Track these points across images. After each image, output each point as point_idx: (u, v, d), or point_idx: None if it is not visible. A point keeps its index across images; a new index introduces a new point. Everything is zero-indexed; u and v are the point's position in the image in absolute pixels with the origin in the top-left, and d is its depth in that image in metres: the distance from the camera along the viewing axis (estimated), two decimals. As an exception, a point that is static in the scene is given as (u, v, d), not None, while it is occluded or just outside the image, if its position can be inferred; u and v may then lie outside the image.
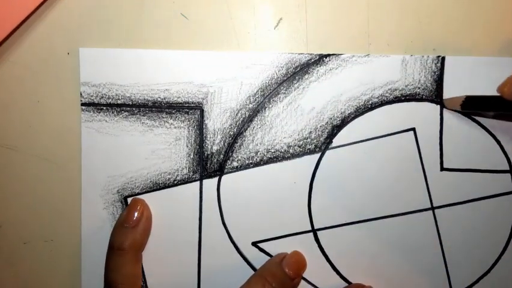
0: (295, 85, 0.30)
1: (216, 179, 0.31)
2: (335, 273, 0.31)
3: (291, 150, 0.31)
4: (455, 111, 0.30)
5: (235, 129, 0.31)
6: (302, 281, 0.31)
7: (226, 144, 0.31)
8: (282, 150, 0.31)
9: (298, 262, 0.29)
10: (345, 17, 0.30)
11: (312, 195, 0.31)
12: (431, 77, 0.30)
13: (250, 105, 0.30)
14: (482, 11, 0.30)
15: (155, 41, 0.30)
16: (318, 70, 0.30)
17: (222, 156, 0.31)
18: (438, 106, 0.30)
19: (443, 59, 0.30)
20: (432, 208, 0.30)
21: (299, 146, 0.31)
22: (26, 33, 0.30)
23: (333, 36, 0.30)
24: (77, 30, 0.30)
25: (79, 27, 0.30)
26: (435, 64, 0.30)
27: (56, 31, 0.30)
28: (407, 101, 0.30)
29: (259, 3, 0.30)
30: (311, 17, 0.30)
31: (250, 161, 0.31)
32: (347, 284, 0.30)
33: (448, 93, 0.30)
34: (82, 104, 0.30)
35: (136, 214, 0.29)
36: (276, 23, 0.30)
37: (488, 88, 0.30)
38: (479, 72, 0.30)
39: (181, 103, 0.30)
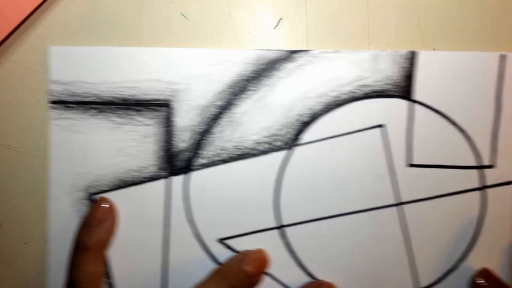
0: (264, 82, 0.30)
1: (183, 176, 0.30)
2: (300, 269, 0.31)
3: (259, 147, 0.30)
4: None
5: (203, 126, 0.30)
6: (268, 278, 0.31)
7: (194, 141, 0.30)
8: (251, 147, 0.30)
9: (259, 260, 0.29)
10: (345, 17, 0.30)
11: (281, 192, 0.30)
12: (401, 72, 0.30)
13: (219, 102, 0.30)
14: (484, 10, 0.30)
15: (154, 40, 0.30)
16: (286, 66, 0.30)
17: (190, 153, 0.30)
18: (407, 102, 0.30)
19: (415, 54, 0.30)
20: (400, 204, 0.30)
21: (267, 143, 0.30)
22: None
23: (333, 36, 0.30)
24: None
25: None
26: (406, 59, 0.30)
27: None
28: (377, 97, 0.30)
29: (259, 3, 0.30)
30: (311, 17, 0.30)
31: (219, 158, 0.30)
32: (313, 280, 0.30)
33: (419, 89, 0.30)
34: (51, 102, 0.30)
35: (100, 213, 0.29)
36: (276, 23, 0.30)
37: (461, 83, 0.30)
38: (452, 67, 0.30)
39: (149, 100, 0.30)
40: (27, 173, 0.31)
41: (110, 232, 0.29)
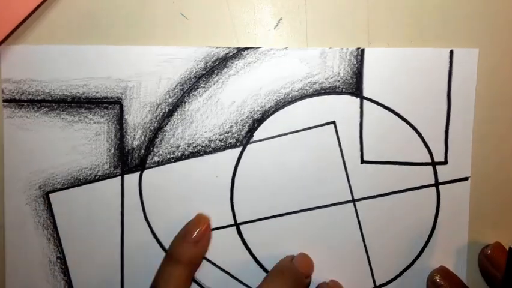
0: (214, 79, 0.30)
1: (137, 174, 0.31)
2: (258, 266, 0.31)
3: (212, 145, 0.30)
4: None
5: (155, 124, 0.30)
6: (228, 276, 0.31)
7: (147, 139, 0.30)
8: (204, 145, 0.30)
9: (308, 262, 0.30)
10: (345, 16, 0.30)
11: (234, 189, 0.31)
12: (350, 69, 0.30)
13: (170, 100, 0.30)
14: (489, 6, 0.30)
15: (154, 40, 0.30)
16: (236, 64, 0.30)
17: (143, 151, 0.31)
18: (358, 99, 0.30)
19: (363, 51, 0.30)
20: (353, 200, 0.30)
21: (220, 140, 0.30)
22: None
23: (333, 36, 0.30)
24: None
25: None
26: (355, 56, 0.30)
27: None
28: (327, 94, 0.30)
29: (259, 3, 0.30)
30: (311, 17, 0.30)
31: (172, 156, 0.31)
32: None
33: (368, 86, 0.30)
34: (4, 101, 0.30)
35: (199, 231, 0.29)
36: (276, 23, 0.30)
37: (411, 80, 0.30)
38: (401, 63, 0.30)
39: (99, 98, 0.30)
40: None
41: (204, 251, 0.30)
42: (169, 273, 0.28)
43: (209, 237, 0.30)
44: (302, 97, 0.30)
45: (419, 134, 0.30)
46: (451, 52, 0.30)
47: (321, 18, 0.30)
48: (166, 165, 0.31)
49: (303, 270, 0.29)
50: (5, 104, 0.30)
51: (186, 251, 0.28)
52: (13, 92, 0.30)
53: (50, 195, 0.31)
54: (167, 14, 0.30)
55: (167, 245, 0.31)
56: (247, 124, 0.30)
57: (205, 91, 0.30)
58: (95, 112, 0.30)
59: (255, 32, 0.30)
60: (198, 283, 0.31)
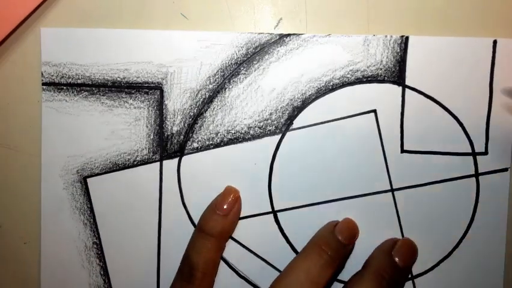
0: (256, 65, 0.30)
1: (176, 160, 0.30)
2: (294, 254, 0.31)
3: (251, 132, 0.30)
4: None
5: (195, 110, 0.30)
6: (262, 263, 0.31)
7: (186, 125, 0.30)
8: (243, 132, 0.30)
9: (350, 229, 0.29)
10: (345, 17, 0.30)
11: (273, 177, 0.30)
12: (393, 57, 0.30)
13: (210, 86, 0.30)
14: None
15: None
16: (278, 50, 0.30)
17: (182, 137, 0.30)
18: (400, 87, 0.30)
19: (407, 39, 0.30)
20: (392, 190, 0.30)
21: (259, 127, 0.30)
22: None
23: None
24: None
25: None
26: (398, 44, 0.30)
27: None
28: (369, 83, 0.30)
29: (259, 3, 0.30)
30: (311, 17, 0.30)
31: (211, 142, 0.30)
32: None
33: (411, 75, 0.30)
34: (43, 84, 0.30)
35: (229, 203, 0.29)
36: (276, 23, 0.30)
37: (454, 69, 0.30)
38: (444, 52, 0.30)
39: (140, 83, 0.30)
40: (25, 173, 0.31)
41: (234, 223, 0.30)
42: (201, 245, 0.28)
43: (239, 209, 0.30)
44: (343, 85, 0.30)
45: (460, 124, 0.30)
46: (495, 42, 0.30)
47: (321, 18, 0.30)
48: (205, 152, 0.30)
49: (344, 240, 0.28)
50: (44, 87, 0.30)
51: (217, 223, 0.28)
52: (53, 76, 0.30)
53: (88, 179, 0.31)
54: (167, 14, 0.30)
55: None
56: (287, 111, 0.30)
57: (245, 77, 0.30)
58: (136, 97, 0.30)
59: (255, 31, 0.30)
60: (227, 263, 0.30)
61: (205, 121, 0.30)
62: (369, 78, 0.30)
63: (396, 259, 0.28)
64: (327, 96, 0.30)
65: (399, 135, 0.30)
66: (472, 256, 0.31)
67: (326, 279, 0.27)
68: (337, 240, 0.28)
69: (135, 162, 0.30)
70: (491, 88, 0.30)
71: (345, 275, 0.30)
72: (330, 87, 0.30)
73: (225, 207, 0.29)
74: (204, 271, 0.28)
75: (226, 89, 0.30)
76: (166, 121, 0.30)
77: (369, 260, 0.29)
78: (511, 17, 0.30)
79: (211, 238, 0.28)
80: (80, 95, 0.30)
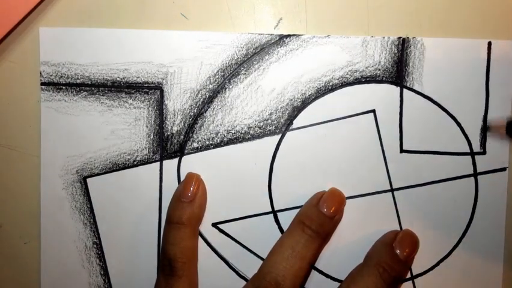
0: (256, 66, 0.30)
1: (176, 160, 0.30)
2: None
3: (251, 132, 0.30)
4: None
5: (195, 110, 0.30)
6: (261, 262, 0.31)
7: (186, 125, 0.30)
8: (243, 132, 0.30)
9: (335, 198, 0.28)
10: (345, 18, 0.30)
11: (273, 177, 0.31)
12: (391, 58, 0.30)
13: (211, 86, 0.30)
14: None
15: None
16: (278, 51, 0.30)
17: (182, 137, 0.30)
18: (398, 88, 0.30)
19: (404, 40, 0.30)
20: (392, 190, 0.30)
21: (259, 127, 0.30)
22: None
23: None
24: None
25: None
26: (396, 45, 0.30)
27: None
28: (368, 83, 0.30)
29: (259, 3, 0.30)
30: (311, 17, 0.30)
31: (211, 142, 0.30)
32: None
33: (409, 75, 0.30)
34: (42, 84, 0.30)
35: (192, 188, 0.29)
36: (276, 23, 0.30)
37: (447, 70, 0.30)
38: (440, 53, 0.30)
39: (140, 83, 0.30)
40: (25, 173, 0.31)
41: (202, 207, 0.29)
42: (173, 236, 0.28)
43: (204, 192, 0.30)
44: (342, 85, 0.30)
45: (458, 124, 0.30)
46: (489, 43, 0.30)
47: (321, 18, 0.30)
48: (205, 152, 0.30)
49: (328, 212, 0.28)
50: (43, 87, 0.30)
51: (184, 211, 0.28)
52: (51, 75, 0.30)
53: (88, 180, 0.30)
54: (167, 14, 0.30)
55: (204, 231, 0.31)
56: (287, 111, 0.30)
57: (245, 78, 0.30)
58: (135, 97, 0.30)
59: (255, 31, 0.30)
60: (227, 263, 0.30)
61: (205, 121, 0.30)
62: (367, 79, 0.30)
63: (398, 251, 0.28)
64: (326, 96, 0.30)
65: (398, 135, 0.30)
66: (471, 255, 0.31)
67: (313, 252, 0.27)
68: (320, 214, 0.28)
69: (135, 162, 0.30)
70: (488, 88, 0.30)
71: (346, 271, 0.30)
72: (330, 88, 0.30)
73: (189, 194, 0.29)
74: (183, 260, 0.28)
75: (227, 89, 0.30)
76: (166, 121, 0.30)
77: (370, 252, 0.29)
78: (505, 19, 0.30)
79: (182, 226, 0.28)
80: (80, 95, 0.30)
